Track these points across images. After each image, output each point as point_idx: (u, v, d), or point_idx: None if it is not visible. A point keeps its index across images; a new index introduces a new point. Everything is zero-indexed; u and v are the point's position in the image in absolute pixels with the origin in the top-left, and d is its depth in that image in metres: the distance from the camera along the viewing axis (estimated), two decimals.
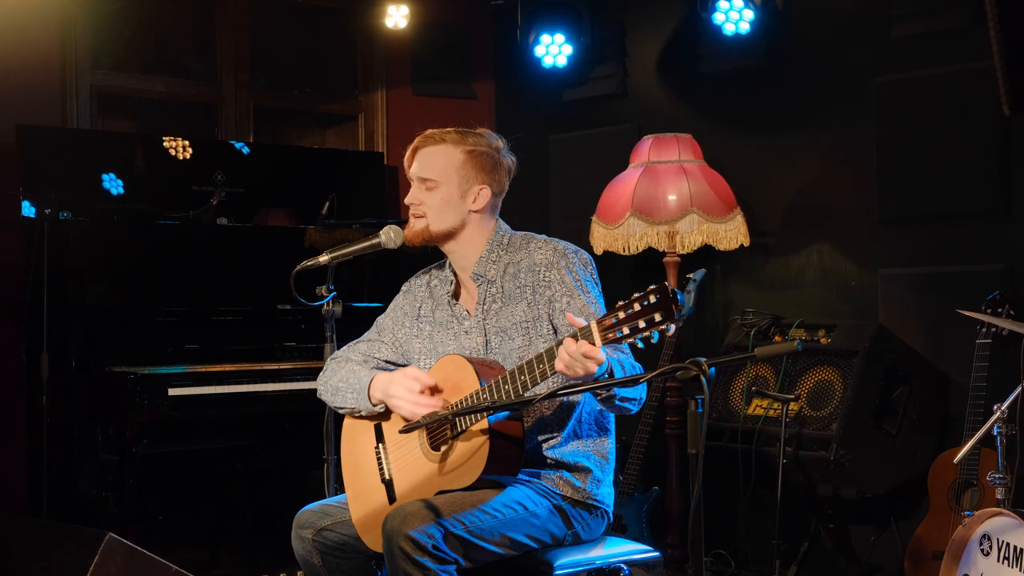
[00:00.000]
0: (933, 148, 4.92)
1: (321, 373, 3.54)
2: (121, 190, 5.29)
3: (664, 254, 5.25)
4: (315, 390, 4.90)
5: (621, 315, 2.79)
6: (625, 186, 5.24)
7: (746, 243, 5.21)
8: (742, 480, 4.96)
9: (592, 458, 3.30)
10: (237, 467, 5.26)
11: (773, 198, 5.50)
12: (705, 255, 5.31)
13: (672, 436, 5.23)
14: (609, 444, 3.36)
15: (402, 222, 5.89)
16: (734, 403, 5.08)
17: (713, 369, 2.55)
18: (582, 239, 5.19)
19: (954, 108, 4.86)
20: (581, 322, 2.89)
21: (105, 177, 5.27)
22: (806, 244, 5.41)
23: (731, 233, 5.18)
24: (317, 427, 5.08)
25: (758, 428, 4.87)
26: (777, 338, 5.04)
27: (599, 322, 2.84)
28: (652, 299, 2.74)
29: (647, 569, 3.29)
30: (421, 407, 3.18)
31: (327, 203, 5.38)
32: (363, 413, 3.40)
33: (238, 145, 5.67)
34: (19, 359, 5.03)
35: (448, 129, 3.36)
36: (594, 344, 2.84)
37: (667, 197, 5.15)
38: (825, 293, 5.34)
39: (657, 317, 2.74)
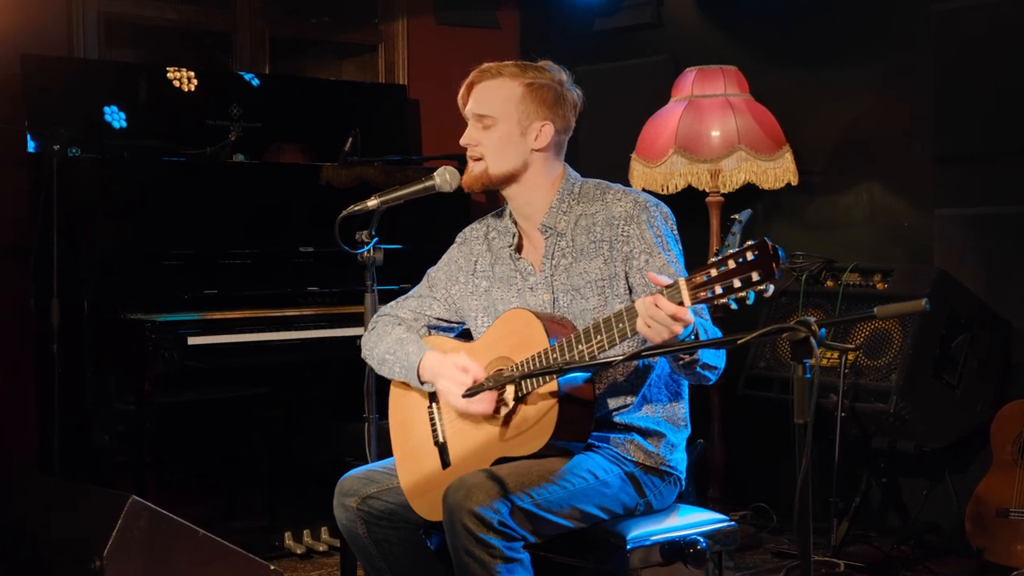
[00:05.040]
0: (995, 80, 4.62)
1: (367, 332, 3.26)
2: (128, 124, 4.97)
3: (704, 193, 4.98)
4: (340, 337, 4.74)
5: (713, 272, 2.52)
6: (667, 122, 4.96)
7: (794, 182, 4.94)
8: (793, 432, 4.70)
9: (663, 424, 3.05)
10: (256, 417, 5.00)
11: (818, 133, 5.21)
12: (746, 194, 5.04)
13: (715, 386, 4.99)
14: (683, 409, 3.10)
15: (425, 158, 5.71)
16: (783, 352, 4.83)
17: (823, 330, 2.28)
18: (616, 177, 4.95)
19: (1017, 38, 4.55)
20: (666, 280, 2.62)
21: (109, 110, 4.95)
22: (855, 182, 5.13)
23: (778, 171, 4.92)
24: (339, 375, 4.90)
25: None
26: (829, 283, 4.78)
27: (689, 280, 2.57)
28: (749, 256, 2.47)
29: (718, 541, 3.04)
30: (473, 404, 2.92)
31: (350, 139, 5.07)
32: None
33: (248, 76, 5.33)
34: (27, 306, 4.74)
35: (506, 62, 3.08)
36: (682, 304, 2.57)
37: (711, 133, 4.87)
38: (875, 235, 5.07)
39: (755, 276, 2.47)
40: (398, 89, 5.88)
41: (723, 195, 4.98)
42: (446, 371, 2.99)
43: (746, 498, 5.16)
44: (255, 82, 5.32)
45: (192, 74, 5.16)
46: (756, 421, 5.11)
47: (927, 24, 4.81)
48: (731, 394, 4.98)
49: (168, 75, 5.12)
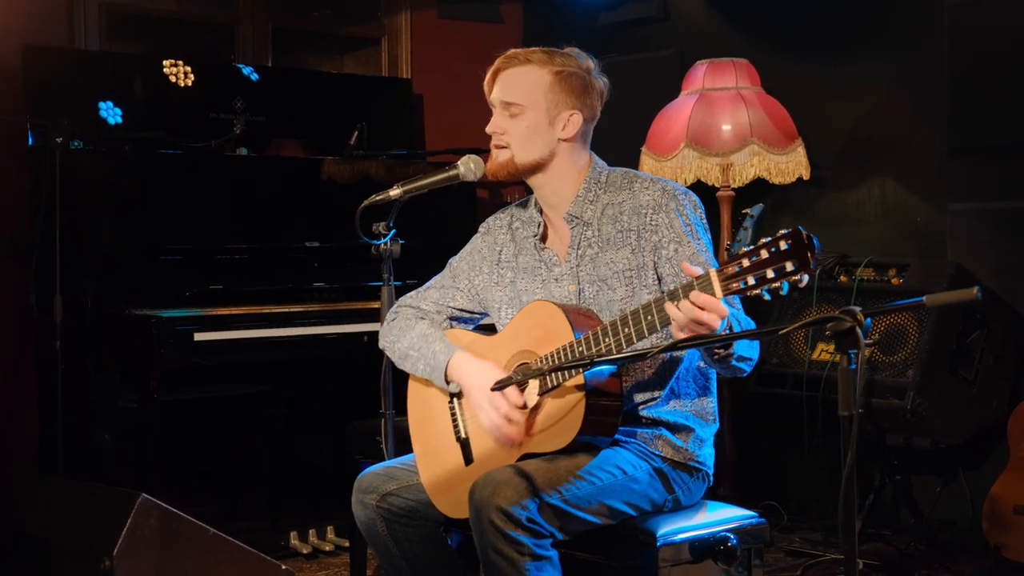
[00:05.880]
0: (1008, 74, 4.56)
1: (386, 324, 3.19)
2: (131, 117, 4.89)
3: (714, 188, 4.93)
4: (347, 333, 4.66)
5: (745, 263, 2.44)
6: (679, 115, 4.89)
7: (806, 176, 4.89)
8: (807, 430, 4.65)
9: (692, 418, 2.98)
10: (260, 415, 4.92)
11: (829, 127, 5.14)
12: (757, 188, 4.98)
13: (726, 381, 4.93)
14: (711, 403, 3.02)
15: (429, 152, 5.64)
16: (796, 347, 4.77)
17: (869, 320, 2.22)
18: None
19: None
20: (698, 271, 2.55)
21: (110, 104, 4.86)
22: (867, 177, 5.07)
23: (790, 166, 4.86)
24: (346, 372, 4.81)
25: (825, 375, 4.55)
26: (843, 278, 4.72)
27: (720, 271, 2.49)
28: (783, 246, 2.40)
29: (745, 538, 2.97)
30: (508, 427, 2.84)
31: (356, 133, 5.01)
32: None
33: (247, 70, 5.26)
34: (27, 302, 4.65)
35: (533, 48, 3.00)
36: (713, 295, 2.51)
37: (722, 127, 4.81)
38: (887, 230, 5.01)
39: (789, 266, 2.39)
40: (402, 83, 5.80)
41: (734, 190, 4.93)
42: (477, 393, 2.90)
43: (757, 496, 5.10)
44: (254, 76, 5.24)
45: (189, 69, 5.08)
46: (768, 418, 5.05)
47: (940, 17, 4.76)
48: (742, 390, 4.92)
49: (169, 69, 5.03)
